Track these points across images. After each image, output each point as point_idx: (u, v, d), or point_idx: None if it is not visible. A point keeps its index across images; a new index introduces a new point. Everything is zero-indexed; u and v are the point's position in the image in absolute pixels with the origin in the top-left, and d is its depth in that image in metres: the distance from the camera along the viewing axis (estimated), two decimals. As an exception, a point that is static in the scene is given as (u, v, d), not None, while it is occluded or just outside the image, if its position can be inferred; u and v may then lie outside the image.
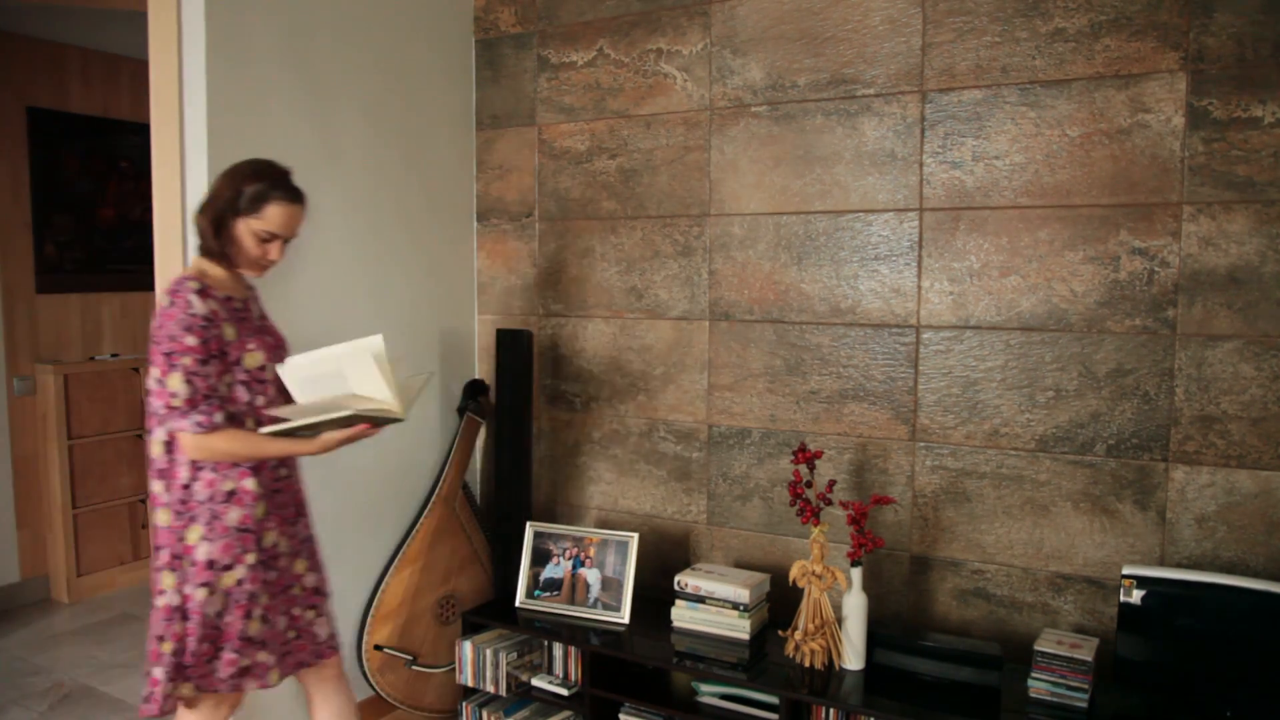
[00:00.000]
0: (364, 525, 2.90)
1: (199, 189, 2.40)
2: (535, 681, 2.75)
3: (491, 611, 2.85)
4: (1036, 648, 2.20)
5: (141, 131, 4.31)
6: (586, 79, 3.06)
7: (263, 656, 2.02)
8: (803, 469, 2.52)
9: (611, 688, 2.59)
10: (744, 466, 2.86)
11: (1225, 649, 2.07)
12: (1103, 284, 2.34)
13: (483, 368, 3.36)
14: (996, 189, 2.44)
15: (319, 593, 2.18)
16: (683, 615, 2.65)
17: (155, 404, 1.92)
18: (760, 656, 2.49)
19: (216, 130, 2.41)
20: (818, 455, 2.49)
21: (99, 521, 4.18)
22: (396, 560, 2.94)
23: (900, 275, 2.58)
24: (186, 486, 1.97)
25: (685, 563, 2.96)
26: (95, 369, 4.15)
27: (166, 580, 1.97)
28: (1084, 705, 2.14)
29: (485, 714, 2.79)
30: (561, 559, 2.83)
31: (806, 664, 2.39)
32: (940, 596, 2.57)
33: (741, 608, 2.56)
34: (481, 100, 3.31)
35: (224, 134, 2.43)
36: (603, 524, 3.12)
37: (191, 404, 1.88)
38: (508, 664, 2.71)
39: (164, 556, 1.98)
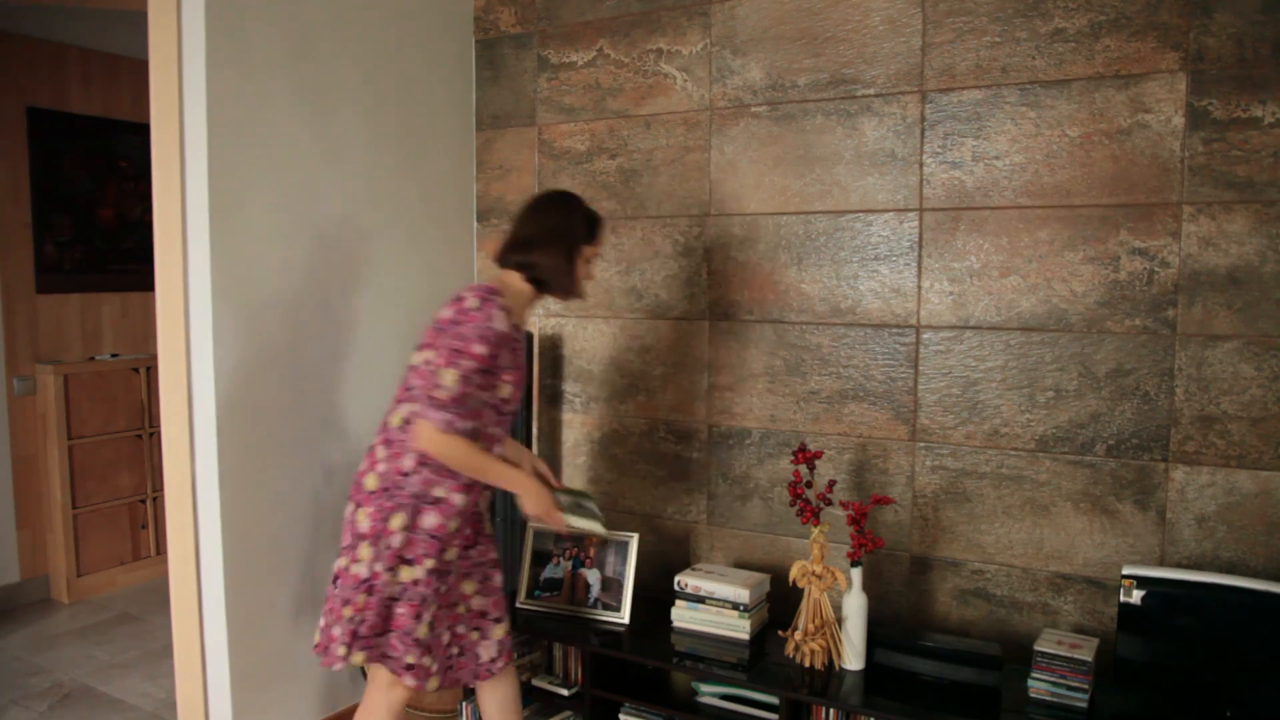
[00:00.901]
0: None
1: (199, 189, 2.41)
2: (535, 681, 2.75)
3: (491, 611, 2.85)
4: (1036, 648, 2.20)
5: (141, 131, 4.31)
6: (586, 79, 3.06)
7: (426, 660, 2.09)
8: (803, 469, 2.52)
9: (611, 688, 2.59)
10: (744, 466, 2.86)
11: (1225, 649, 2.07)
12: (1103, 284, 2.33)
13: (483, 368, 3.36)
14: (996, 189, 2.44)
15: (485, 616, 2.25)
16: (683, 615, 2.65)
17: (416, 383, 2.01)
18: (760, 656, 2.49)
19: (216, 130, 2.41)
20: (818, 455, 2.49)
21: (99, 521, 4.17)
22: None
23: (900, 275, 2.58)
24: (405, 474, 2.06)
25: (685, 563, 2.96)
26: (95, 369, 4.15)
27: (364, 551, 2.06)
28: (1084, 705, 2.14)
29: (485, 714, 2.80)
30: (562, 559, 2.83)
31: (806, 664, 2.39)
32: (940, 596, 2.57)
33: (741, 608, 2.56)
34: (481, 100, 3.31)
35: (224, 134, 2.43)
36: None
37: (452, 401, 1.96)
38: (508, 664, 2.71)
39: (366, 528, 2.06)
